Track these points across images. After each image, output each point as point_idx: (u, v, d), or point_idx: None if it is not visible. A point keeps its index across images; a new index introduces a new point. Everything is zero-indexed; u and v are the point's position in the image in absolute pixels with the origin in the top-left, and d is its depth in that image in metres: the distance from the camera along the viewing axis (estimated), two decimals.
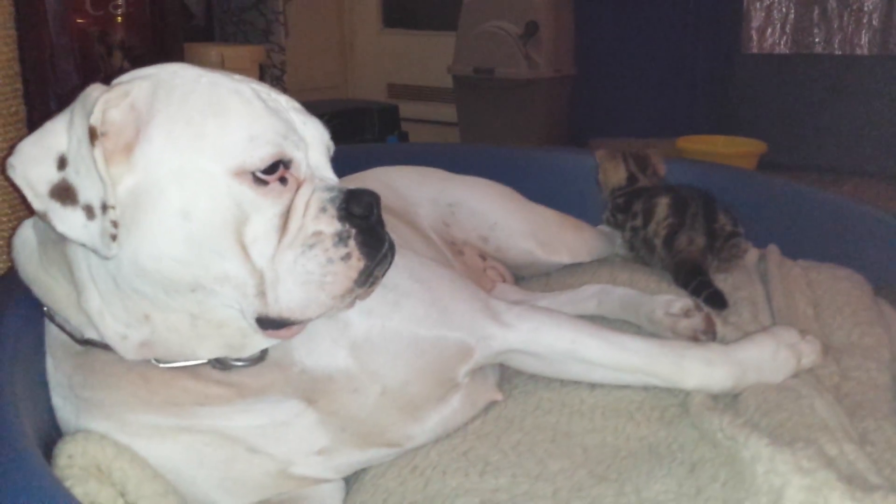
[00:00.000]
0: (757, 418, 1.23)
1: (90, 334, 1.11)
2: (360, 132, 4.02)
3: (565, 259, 1.98)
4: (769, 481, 0.99)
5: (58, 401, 1.17)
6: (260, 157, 1.01)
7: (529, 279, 2.01)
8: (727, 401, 1.36)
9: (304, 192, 1.06)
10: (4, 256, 1.60)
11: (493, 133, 4.56)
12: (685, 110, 4.36)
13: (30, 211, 1.12)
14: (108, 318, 1.07)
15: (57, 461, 1.06)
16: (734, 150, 3.73)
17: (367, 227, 1.07)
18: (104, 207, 0.98)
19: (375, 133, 4.09)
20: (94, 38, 4.01)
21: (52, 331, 1.18)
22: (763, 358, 1.39)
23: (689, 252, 1.88)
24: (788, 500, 0.95)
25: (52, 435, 1.14)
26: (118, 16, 3.99)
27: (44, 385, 1.18)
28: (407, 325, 1.28)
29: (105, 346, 1.10)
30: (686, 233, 1.90)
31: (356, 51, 5.91)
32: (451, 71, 4.74)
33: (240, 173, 1.01)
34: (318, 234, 1.04)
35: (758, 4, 4.22)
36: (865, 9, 4.00)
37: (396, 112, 4.45)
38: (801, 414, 1.21)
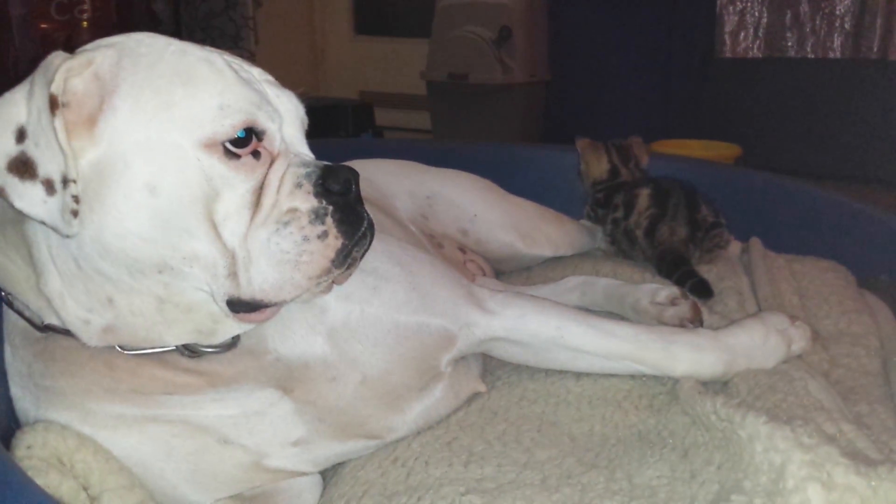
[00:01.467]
0: (750, 401, 1.20)
1: (51, 320, 1.04)
2: (334, 130, 3.97)
3: (547, 252, 1.94)
4: (769, 459, 0.95)
5: (16, 391, 1.11)
6: (231, 123, 0.96)
7: (510, 273, 1.97)
8: (717, 387, 1.32)
9: (279, 168, 1.01)
10: None
11: (467, 139, 4.52)
12: (659, 115, 4.36)
13: None
14: (70, 302, 1.01)
15: (15, 452, 1.00)
16: (709, 153, 3.73)
17: (344, 205, 1.01)
18: (65, 182, 0.92)
19: (349, 130, 4.04)
20: (60, 44, 3.94)
21: (10, 317, 1.11)
22: (753, 343, 1.36)
23: (671, 242, 1.85)
24: (790, 476, 0.90)
25: (10, 428, 1.08)
26: (84, 21, 3.92)
27: (2, 376, 1.11)
28: (387, 311, 1.23)
29: (66, 333, 1.03)
30: (668, 223, 1.87)
31: (328, 57, 5.86)
32: (424, 77, 4.71)
33: (210, 145, 0.96)
34: (292, 210, 0.99)
35: (731, 9, 4.22)
36: (838, 12, 4.02)
37: (371, 110, 4.39)
38: (795, 395, 1.18)
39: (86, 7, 3.97)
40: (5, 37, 3.58)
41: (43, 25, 3.76)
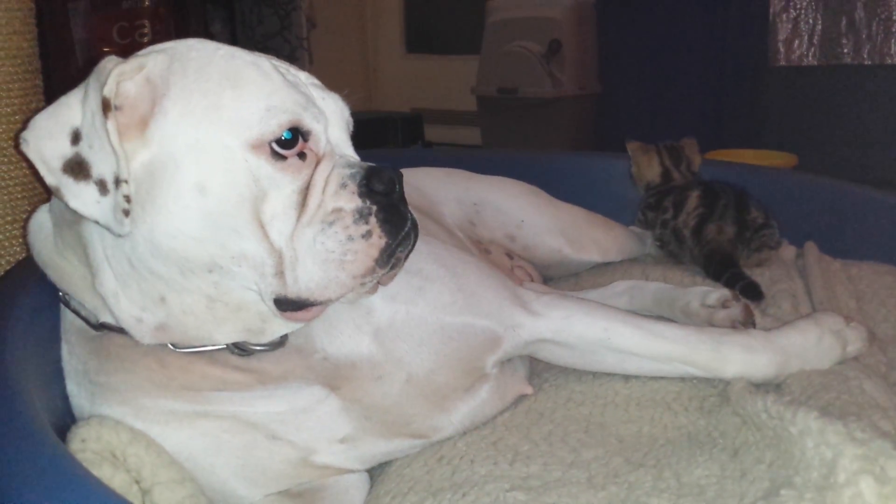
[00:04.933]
0: (803, 399, 1.17)
1: (105, 318, 1.08)
2: (384, 142, 4.00)
3: (595, 257, 1.92)
4: (820, 454, 0.92)
5: (72, 387, 1.14)
6: (278, 123, 0.98)
7: (558, 279, 1.96)
8: (769, 388, 1.30)
9: (324, 168, 1.03)
10: (19, 242, 1.58)
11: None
12: (713, 125, 4.29)
13: (46, 191, 1.10)
14: (124, 301, 1.04)
15: (70, 445, 1.02)
16: (765, 163, 3.67)
17: (388, 205, 1.03)
18: (117, 182, 0.95)
19: (399, 142, 4.06)
20: None
21: (67, 316, 1.15)
22: (807, 344, 1.33)
23: (718, 242, 1.83)
24: (842, 470, 0.88)
25: (67, 423, 1.10)
26: (144, 44, 4.03)
27: (59, 373, 1.15)
28: (432, 312, 1.23)
29: (121, 331, 1.06)
30: (715, 222, 1.85)
31: (380, 76, 5.94)
32: (474, 91, 4.73)
33: (257, 146, 0.98)
34: (337, 210, 1.00)
35: (784, 16, 4.16)
36: (894, 17, 3.93)
37: (420, 122, 4.39)
38: (849, 393, 1.15)
39: (146, 30, 4.08)
40: (69, 59, 3.70)
41: (105, 49, 3.87)
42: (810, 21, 4.13)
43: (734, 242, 1.84)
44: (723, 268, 1.77)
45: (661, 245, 2.00)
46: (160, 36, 4.08)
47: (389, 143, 4.08)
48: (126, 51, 1.06)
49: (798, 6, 4.15)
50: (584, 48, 4.50)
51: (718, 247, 1.83)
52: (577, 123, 4.57)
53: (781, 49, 4.22)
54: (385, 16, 5.91)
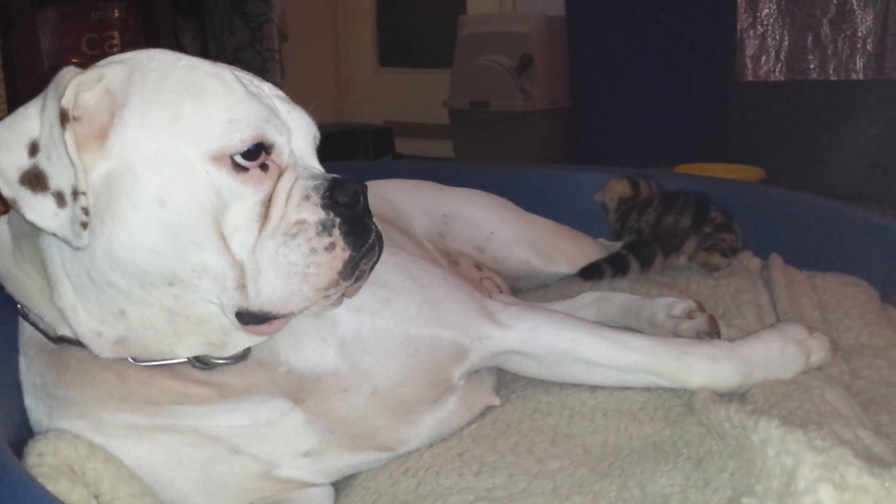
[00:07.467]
0: (766, 408, 1.18)
1: (64, 331, 1.06)
2: (354, 155, 3.98)
3: (564, 269, 1.93)
4: (781, 462, 0.93)
5: (30, 401, 1.12)
6: (240, 139, 0.97)
7: (527, 291, 1.96)
8: (733, 397, 1.30)
9: (287, 180, 1.02)
10: None
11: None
12: (682, 139, 4.33)
13: (4, 203, 1.08)
14: (82, 314, 1.02)
15: (26, 460, 1.01)
16: (733, 176, 3.71)
17: (352, 217, 1.02)
18: (75, 194, 0.94)
19: (370, 155, 4.04)
20: None
21: (25, 329, 1.13)
22: (770, 354, 1.34)
23: (672, 230, 1.90)
24: (801, 478, 0.89)
25: (24, 438, 1.09)
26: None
27: (16, 386, 1.13)
28: (398, 324, 1.23)
29: (79, 344, 1.05)
30: (673, 216, 1.95)
31: (352, 89, 5.93)
32: (446, 105, 4.74)
33: (218, 158, 0.97)
34: (300, 223, 0.99)
35: (752, 33, 4.21)
36: (859, 34, 3.98)
37: (391, 135, 4.36)
38: (811, 402, 1.16)
39: (116, 41, 4.05)
40: (36, 70, 3.66)
41: (74, 60, 3.84)
42: (777, 37, 4.18)
43: (688, 232, 1.93)
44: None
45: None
46: (130, 47, 4.01)
47: (360, 156, 4.06)
48: (96, 61, 1.05)
49: (765, 23, 4.20)
50: (554, 63, 4.53)
51: (670, 232, 1.90)
52: (548, 137, 4.59)
53: (749, 65, 4.26)
54: (358, 29, 5.91)
